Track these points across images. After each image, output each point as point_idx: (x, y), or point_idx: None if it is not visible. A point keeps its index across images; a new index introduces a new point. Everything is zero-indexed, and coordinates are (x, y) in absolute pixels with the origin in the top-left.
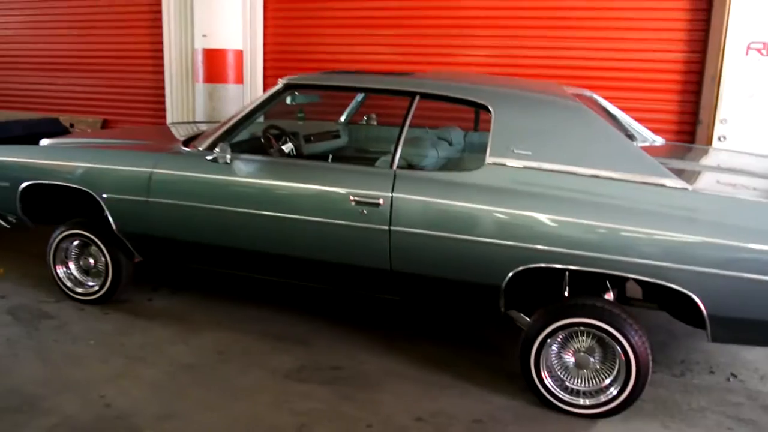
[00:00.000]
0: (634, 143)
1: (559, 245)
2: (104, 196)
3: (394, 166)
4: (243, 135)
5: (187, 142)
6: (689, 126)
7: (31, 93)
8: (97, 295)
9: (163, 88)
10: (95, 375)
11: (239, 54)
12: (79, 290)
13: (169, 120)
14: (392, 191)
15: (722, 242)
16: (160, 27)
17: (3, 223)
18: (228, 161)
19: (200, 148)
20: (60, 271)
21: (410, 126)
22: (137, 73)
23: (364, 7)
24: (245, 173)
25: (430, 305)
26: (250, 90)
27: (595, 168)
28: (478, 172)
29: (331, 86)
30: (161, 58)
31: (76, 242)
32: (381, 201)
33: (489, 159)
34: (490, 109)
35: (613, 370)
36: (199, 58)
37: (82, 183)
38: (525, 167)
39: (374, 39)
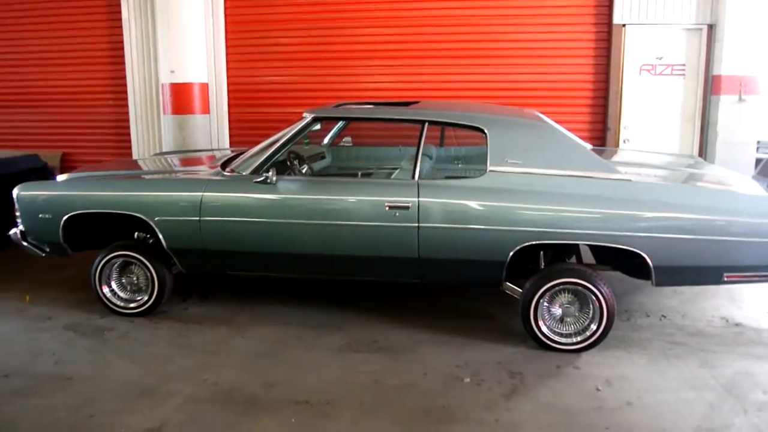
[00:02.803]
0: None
1: (546, 227)
2: (156, 219)
3: (416, 178)
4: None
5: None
6: (600, 132)
7: None
8: (144, 308)
9: (126, 120)
10: (186, 366)
11: (205, 87)
12: (132, 305)
13: (134, 150)
14: (418, 197)
15: (657, 215)
16: (123, 62)
17: (39, 252)
18: (274, 182)
19: (244, 173)
20: (105, 289)
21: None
22: (98, 107)
23: (312, 43)
24: (291, 191)
25: (446, 285)
26: (217, 119)
27: (566, 169)
28: (483, 178)
29: (352, 118)
30: (124, 92)
31: (117, 263)
32: (409, 205)
33: (490, 168)
34: (486, 131)
35: (589, 314)
36: (167, 91)
37: (136, 209)
38: (517, 172)
39: (322, 70)
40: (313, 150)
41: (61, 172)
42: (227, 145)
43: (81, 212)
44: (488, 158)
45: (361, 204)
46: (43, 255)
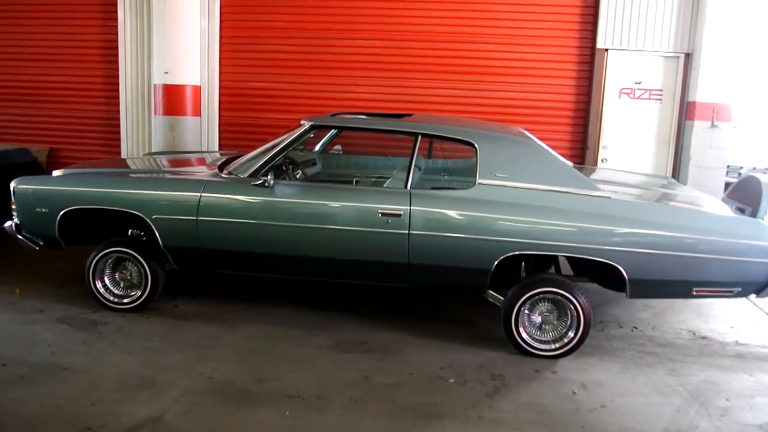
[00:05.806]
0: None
1: (531, 238)
2: (153, 217)
3: (409, 187)
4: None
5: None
6: (579, 151)
7: None
8: (136, 303)
9: (117, 118)
10: (182, 360)
11: (197, 89)
12: (126, 300)
13: (123, 148)
14: (410, 205)
15: (633, 230)
16: (116, 61)
17: (32, 245)
18: (272, 186)
19: (242, 176)
20: (98, 285)
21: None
22: (88, 104)
23: (304, 52)
24: (288, 195)
25: (433, 290)
26: (207, 122)
27: (549, 185)
28: (472, 189)
29: (349, 127)
30: (116, 90)
31: (111, 259)
32: (401, 213)
33: (479, 180)
34: (476, 145)
35: (567, 322)
36: (159, 92)
37: (134, 207)
38: (504, 186)
39: (313, 79)
40: (305, 156)
41: (48, 168)
42: (216, 147)
43: (78, 208)
44: (477, 171)
45: (355, 210)
46: (37, 248)
